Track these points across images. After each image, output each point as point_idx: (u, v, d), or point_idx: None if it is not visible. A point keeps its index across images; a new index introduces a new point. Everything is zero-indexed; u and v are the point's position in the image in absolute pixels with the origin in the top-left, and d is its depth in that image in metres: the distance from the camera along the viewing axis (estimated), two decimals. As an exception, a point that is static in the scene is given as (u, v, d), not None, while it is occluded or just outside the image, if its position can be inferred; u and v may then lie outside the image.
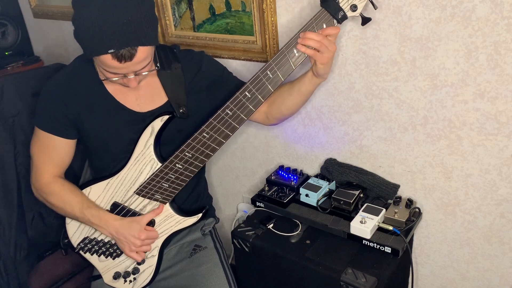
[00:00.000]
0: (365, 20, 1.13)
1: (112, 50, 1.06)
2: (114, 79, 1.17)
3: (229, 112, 1.19)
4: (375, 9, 1.13)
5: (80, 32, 1.08)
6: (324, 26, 1.11)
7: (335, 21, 1.11)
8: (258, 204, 1.50)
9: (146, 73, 1.18)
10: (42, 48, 2.38)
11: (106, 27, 1.04)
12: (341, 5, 1.09)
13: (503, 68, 1.12)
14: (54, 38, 2.28)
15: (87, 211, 1.32)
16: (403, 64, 1.25)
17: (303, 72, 1.44)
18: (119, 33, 1.04)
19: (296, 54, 1.13)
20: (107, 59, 1.08)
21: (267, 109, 1.35)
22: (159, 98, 1.33)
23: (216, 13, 1.56)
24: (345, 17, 1.10)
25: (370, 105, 1.37)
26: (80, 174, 1.59)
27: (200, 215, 1.38)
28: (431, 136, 1.30)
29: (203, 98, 1.37)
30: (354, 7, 1.09)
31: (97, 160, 1.41)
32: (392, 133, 1.37)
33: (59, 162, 1.37)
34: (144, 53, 1.11)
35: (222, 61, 1.61)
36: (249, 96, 1.17)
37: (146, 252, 1.39)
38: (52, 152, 1.35)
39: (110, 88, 1.30)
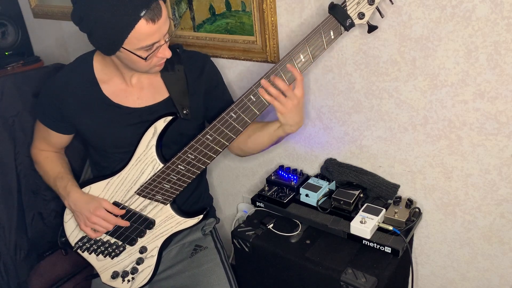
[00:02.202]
0: (372, 28, 1.13)
1: (144, 11, 1.04)
2: (150, 55, 1.14)
3: (233, 115, 1.19)
4: (382, 18, 1.14)
5: (101, 23, 1.06)
6: (331, 33, 1.11)
7: (342, 28, 1.11)
8: (258, 204, 1.50)
9: (168, 39, 1.16)
10: (42, 48, 2.37)
11: None
12: (349, 12, 1.09)
13: (503, 68, 1.12)
14: (54, 38, 2.28)
15: (59, 181, 1.36)
16: (403, 64, 1.25)
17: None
18: None
19: (303, 60, 1.13)
20: (142, 26, 1.06)
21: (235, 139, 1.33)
22: (160, 95, 1.33)
23: (216, 13, 1.56)
24: (352, 25, 1.10)
25: (370, 105, 1.37)
26: (80, 174, 1.59)
27: (201, 216, 1.38)
28: (431, 136, 1.30)
29: (201, 102, 1.38)
30: (361, 15, 1.10)
31: (97, 159, 1.42)
32: (392, 133, 1.37)
33: (54, 146, 1.47)
34: (164, 7, 1.11)
35: (222, 61, 1.62)
36: (254, 99, 1.17)
37: (145, 253, 1.39)
38: (48, 139, 1.43)
39: (107, 90, 1.30)
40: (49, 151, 1.47)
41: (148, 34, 1.09)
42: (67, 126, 1.37)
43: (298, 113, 1.18)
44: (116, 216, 1.34)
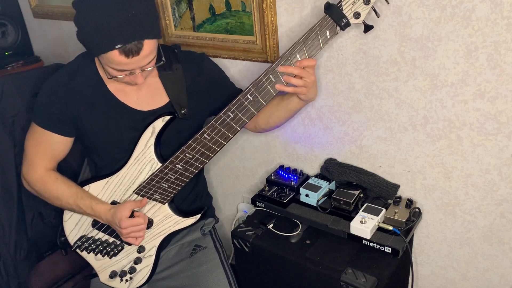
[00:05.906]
0: (368, 28, 1.14)
1: (119, 45, 1.06)
2: (120, 76, 1.17)
3: (230, 114, 1.19)
4: (378, 17, 1.15)
5: (84, 31, 1.09)
6: (327, 32, 1.12)
7: (338, 27, 1.11)
8: (258, 204, 1.50)
9: (151, 68, 1.18)
10: (42, 48, 2.37)
11: (111, 22, 1.04)
12: (344, 12, 1.10)
13: (503, 68, 1.12)
14: (54, 38, 2.28)
15: (81, 202, 1.33)
16: (403, 64, 1.25)
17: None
18: (124, 28, 1.05)
19: (299, 59, 1.13)
20: (114, 55, 1.08)
21: (256, 118, 1.33)
22: (160, 98, 1.33)
23: (216, 13, 1.56)
24: (348, 24, 1.11)
25: (370, 105, 1.37)
26: (79, 172, 1.59)
27: (198, 216, 1.38)
28: (431, 136, 1.30)
29: (202, 100, 1.38)
30: (357, 15, 1.11)
31: (96, 159, 1.41)
32: (392, 133, 1.37)
33: (54, 157, 1.37)
34: (150, 46, 1.11)
35: (222, 61, 1.62)
36: (251, 99, 1.17)
37: (142, 252, 1.39)
38: (47, 148, 1.34)
39: (112, 87, 1.30)
40: (50, 169, 1.36)
41: (119, 63, 1.11)
42: (68, 127, 1.32)
43: (316, 87, 1.24)
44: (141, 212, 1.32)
